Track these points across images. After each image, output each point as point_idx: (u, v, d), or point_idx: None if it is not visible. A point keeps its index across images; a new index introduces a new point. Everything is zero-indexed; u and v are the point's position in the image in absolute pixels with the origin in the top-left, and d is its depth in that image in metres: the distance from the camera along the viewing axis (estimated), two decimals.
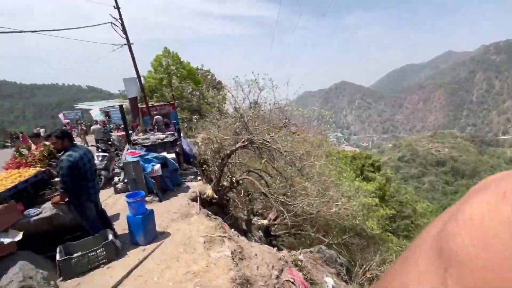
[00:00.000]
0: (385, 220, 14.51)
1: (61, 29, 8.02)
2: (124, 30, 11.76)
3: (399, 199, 19.87)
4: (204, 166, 7.82)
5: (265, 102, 7.66)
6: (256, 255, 4.05)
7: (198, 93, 22.15)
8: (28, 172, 3.68)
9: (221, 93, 18.17)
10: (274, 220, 8.54)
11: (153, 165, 5.68)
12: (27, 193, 3.63)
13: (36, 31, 6.81)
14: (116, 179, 6.57)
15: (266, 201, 10.14)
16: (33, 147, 4.82)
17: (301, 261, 4.94)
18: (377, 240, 9.73)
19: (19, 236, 2.93)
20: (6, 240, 2.77)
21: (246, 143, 6.75)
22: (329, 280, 4.98)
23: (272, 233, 8.72)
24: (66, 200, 3.39)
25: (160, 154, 6.45)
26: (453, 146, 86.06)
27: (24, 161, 3.99)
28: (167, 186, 6.13)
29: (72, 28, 8.51)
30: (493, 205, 0.17)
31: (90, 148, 5.10)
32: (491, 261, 0.15)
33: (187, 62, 21.57)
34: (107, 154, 7.23)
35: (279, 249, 5.80)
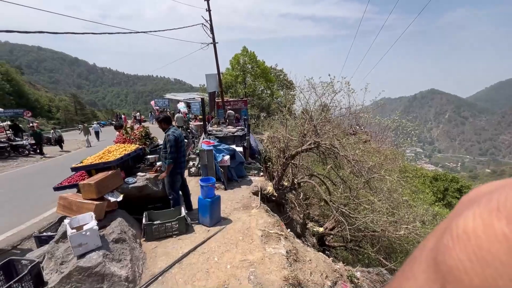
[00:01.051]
0: None
1: (165, 30, 9.48)
2: (212, 30, 12.99)
3: None
4: (268, 163, 8.05)
5: (337, 106, 7.35)
6: (310, 260, 3.99)
7: (269, 92, 22.75)
8: (131, 147, 4.55)
9: (291, 93, 18.22)
10: (331, 229, 8.18)
11: (223, 155, 6.18)
12: (128, 164, 4.48)
13: (147, 31, 8.23)
14: (191, 163, 7.40)
15: (324, 208, 9.78)
16: (135, 126, 5.90)
17: (358, 278, 4.63)
18: None
19: (120, 197, 3.66)
20: (112, 199, 3.50)
21: (312, 146, 6.65)
22: None
23: (327, 243, 8.39)
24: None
25: (231, 146, 6.95)
26: None
27: (128, 138, 4.94)
28: (232, 176, 6.59)
29: (173, 29, 9.93)
30: (487, 219, 0.16)
31: None
32: (487, 279, 0.15)
33: (262, 61, 22.37)
34: (186, 141, 8.21)
35: (334, 260, 5.56)
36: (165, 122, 4.28)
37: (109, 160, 3.97)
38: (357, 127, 9.25)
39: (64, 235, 2.92)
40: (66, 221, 2.98)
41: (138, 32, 8.14)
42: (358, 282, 4.57)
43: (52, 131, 15.91)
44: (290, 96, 17.37)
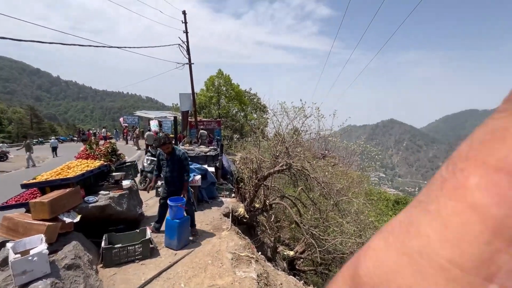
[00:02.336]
0: None
1: (141, 47, 9.40)
2: (188, 51, 13.17)
3: None
4: (240, 184, 7.97)
5: (308, 131, 7.69)
6: (281, 284, 3.90)
7: (242, 114, 23.12)
8: (94, 164, 4.23)
9: (264, 116, 18.72)
10: (302, 253, 8.13)
11: (194, 175, 6.00)
12: (90, 182, 4.14)
13: (121, 47, 8.09)
14: (159, 183, 7.06)
15: (295, 231, 9.77)
16: (101, 142, 5.54)
17: None
18: None
19: (77, 218, 3.32)
20: (68, 219, 3.16)
21: (284, 167, 6.77)
22: None
23: (297, 267, 8.28)
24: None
25: (202, 166, 6.81)
26: None
27: (92, 154, 4.60)
28: (202, 197, 6.38)
29: (149, 47, 9.89)
30: (383, 249, 0.18)
31: (141, 151, 5.65)
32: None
33: (237, 84, 22.93)
34: (155, 159, 7.87)
35: (304, 284, 5.47)
36: (170, 143, 4.22)
37: (68, 176, 3.64)
38: (326, 151, 9.68)
39: (5, 262, 2.54)
40: (9, 244, 2.61)
41: (112, 47, 7.97)
42: None
43: None
44: (263, 119, 17.81)
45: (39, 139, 28.80)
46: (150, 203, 6.04)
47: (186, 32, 13.17)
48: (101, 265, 3.38)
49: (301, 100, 7.08)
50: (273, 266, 6.22)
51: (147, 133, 13.33)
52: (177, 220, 3.86)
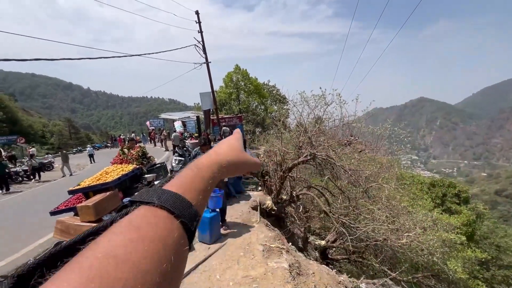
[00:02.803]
0: (474, 265, 11.95)
1: (159, 52, 9.75)
2: (204, 50, 13.38)
3: (495, 242, 16.09)
4: (266, 177, 8.06)
5: (330, 118, 7.50)
6: (313, 273, 3.94)
7: (263, 107, 23.10)
8: (128, 168, 4.55)
9: (285, 107, 18.54)
10: (333, 242, 8.08)
11: None
12: (126, 185, 4.46)
13: (141, 54, 8.47)
14: None
15: (325, 220, 9.69)
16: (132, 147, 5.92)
17: None
18: (461, 286, 8.12)
19: None
20: None
21: (308, 157, 6.72)
22: None
23: (330, 256, 8.25)
24: None
25: None
26: None
27: (125, 158, 4.94)
28: (230, 192, 6.57)
29: (167, 51, 10.23)
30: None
31: (169, 152, 5.92)
32: None
33: (255, 78, 22.89)
34: (182, 159, 8.21)
35: (337, 273, 5.46)
36: (210, 143, 4.68)
37: (106, 181, 3.96)
38: (351, 137, 9.38)
39: None
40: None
41: (133, 55, 8.36)
42: None
43: (27, 158, 13.93)
44: (284, 110, 17.67)
45: (78, 147, 31.26)
46: None
47: (200, 31, 13.36)
48: None
49: (320, 88, 6.91)
50: (305, 256, 6.27)
51: (173, 134, 13.89)
52: (208, 216, 4.04)
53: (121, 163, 4.92)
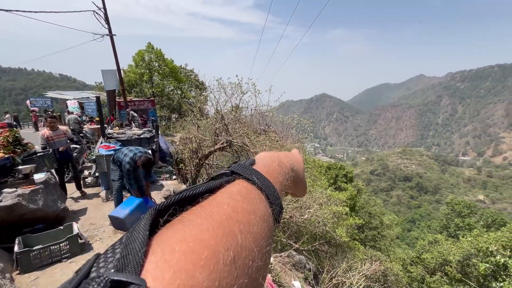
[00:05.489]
0: (354, 229, 15.09)
1: (38, 11, 7.58)
2: (107, 20, 11.37)
3: (368, 210, 20.80)
4: (181, 165, 7.72)
5: (246, 107, 7.77)
6: None
7: (179, 92, 21.82)
8: None
9: (203, 93, 18.09)
10: None
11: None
12: None
13: (11, 10, 6.39)
14: (86, 172, 6.30)
15: None
16: None
17: (271, 263, 5.05)
18: (345, 248, 10.10)
19: None
20: None
21: (225, 145, 6.80)
22: (297, 284, 5.12)
23: None
24: None
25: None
26: (419, 163, 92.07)
27: None
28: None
29: (51, 12, 8.09)
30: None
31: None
32: None
33: (171, 60, 21.20)
34: (78, 146, 6.91)
35: None
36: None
37: None
38: (266, 126, 10.06)
39: None
40: None
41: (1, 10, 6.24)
42: (271, 266, 4.98)
43: None
44: (202, 96, 17.17)
45: None
46: (75, 196, 5.36)
47: None
48: (17, 271, 2.93)
49: (237, 76, 7.03)
50: None
51: (69, 116, 11.30)
52: (119, 216, 3.59)
53: None
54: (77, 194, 5.40)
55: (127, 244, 0.20)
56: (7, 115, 20.59)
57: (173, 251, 0.19)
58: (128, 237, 0.20)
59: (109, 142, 6.46)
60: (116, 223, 3.77)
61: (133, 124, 9.62)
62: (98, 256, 0.20)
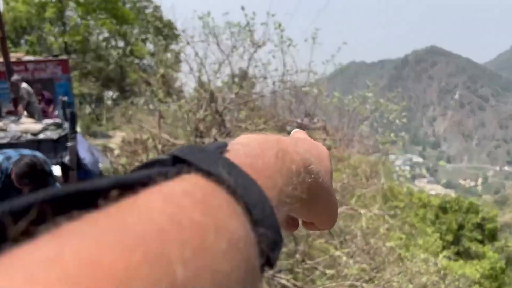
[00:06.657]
0: None
1: None
2: None
3: None
4: None
5: (265, 77, 7.83)
6: None
7: (122, 43, 22.42)
8: None
9: (171, 46, 18.43)
10: None
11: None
12: None
13: None
14: None
15: None
16: None
17: None
18: None
19: None
20: None
21: None
22: None
23: None
24: None
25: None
26: None
27: None
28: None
29: None
30: None
31: None
32: None
33: None
34: None
35: None
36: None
37: None
38: (309, 117, 9.94)
39: None
40: None
41: None
42: None
43: None
44: (170, 54, 17.46)
45: None
46: None
47: None
48: None
49: (243, 10, 7.09)
50: None
51: None
52: None
53: None
54: None
55: None
56: None
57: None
58: None
59: None
60: None
61: (23, 111, 9.95)
62: None
